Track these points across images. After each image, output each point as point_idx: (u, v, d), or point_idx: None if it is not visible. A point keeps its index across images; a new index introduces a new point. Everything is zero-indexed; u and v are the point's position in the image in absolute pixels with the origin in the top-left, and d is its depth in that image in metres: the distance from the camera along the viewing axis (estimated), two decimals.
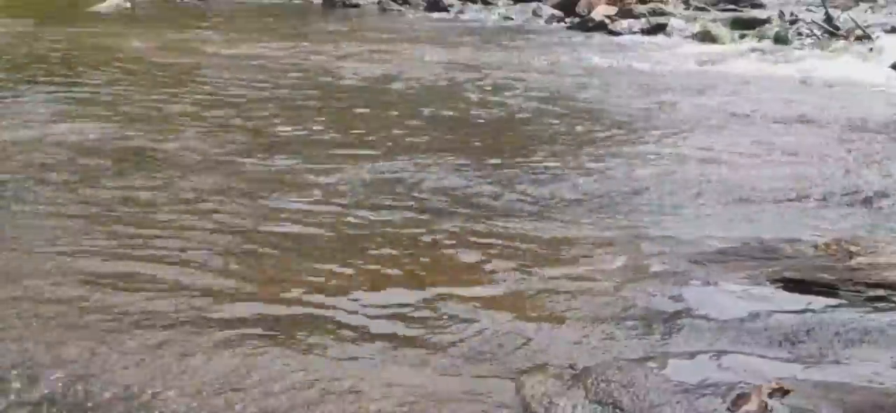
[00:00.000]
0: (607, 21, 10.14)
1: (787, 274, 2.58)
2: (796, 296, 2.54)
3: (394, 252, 2.87)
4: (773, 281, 2.59)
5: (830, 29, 8.71)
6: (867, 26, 8.55)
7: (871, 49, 8.24)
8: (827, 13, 8.98)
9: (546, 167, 4.13)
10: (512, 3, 12.45)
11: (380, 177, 3.80)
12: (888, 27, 8.45)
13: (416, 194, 3.56)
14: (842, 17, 8.84)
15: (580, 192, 3.72)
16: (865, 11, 9.47)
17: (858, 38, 8.40)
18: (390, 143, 4.51)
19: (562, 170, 4.08)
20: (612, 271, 2.76)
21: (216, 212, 3.22)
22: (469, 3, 12.69)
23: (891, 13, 9.34)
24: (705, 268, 2.80)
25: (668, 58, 8.30)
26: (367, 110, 5.46)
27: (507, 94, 6.15)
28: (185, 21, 9.75)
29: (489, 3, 12.64)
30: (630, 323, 2.36)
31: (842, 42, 8.48)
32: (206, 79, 6.25)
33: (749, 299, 2.53)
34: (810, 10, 9.44)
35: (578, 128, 5.18)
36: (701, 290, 2.62)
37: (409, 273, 2.71)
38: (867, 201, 3.76)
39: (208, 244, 2.86)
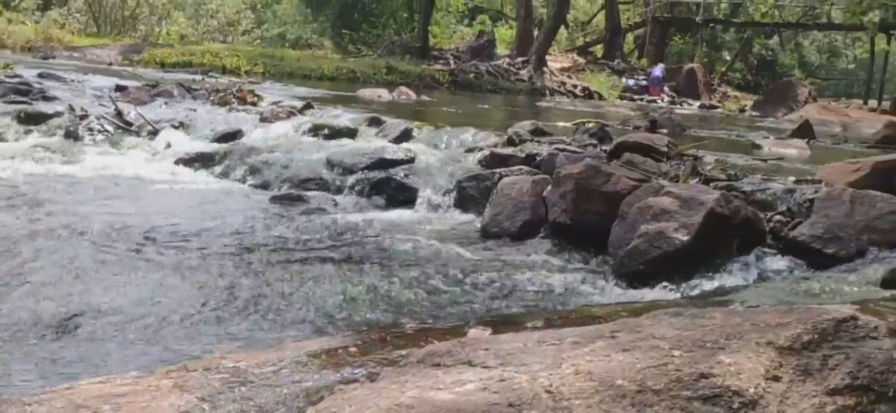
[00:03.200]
0: None
1: None
2: None
3: None
4: None
5: (122, 124, 8.53)
6: (157, 122, 8.62)
7: (164, 145, 8.29)
8: (117, 109, 8.79)
9: None
10: None
11: None
12: (176, 122, 8.64)
13: None
14: (133, 113, 8.73)
15: None
16: (160, 107, 9.59)
17: (149, 134, 8.38)
18: None
19: None
20: None
21: None
22: None
23: (183, 110, 9.61)
24: None
25: None
26: None
27: None
28: None
29: None
30: None
31: (134, 138, 8.34)
32: None
33: None
34: (103, 105, 9.13)
35: None
36: None
37: None
38: (77, 329, 3.35)
39: None
